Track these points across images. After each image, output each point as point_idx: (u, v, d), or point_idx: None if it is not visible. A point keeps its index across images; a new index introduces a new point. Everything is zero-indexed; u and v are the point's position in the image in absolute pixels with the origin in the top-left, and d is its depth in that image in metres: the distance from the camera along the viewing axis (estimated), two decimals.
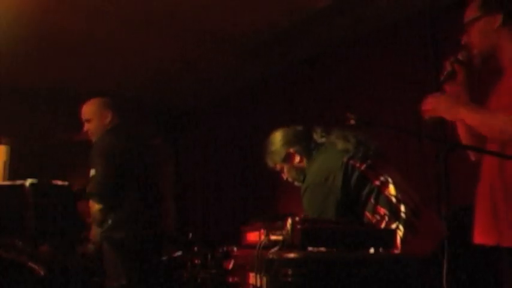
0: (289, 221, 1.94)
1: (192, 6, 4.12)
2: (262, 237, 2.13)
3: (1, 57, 4.99)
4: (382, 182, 2.59)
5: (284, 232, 1.97)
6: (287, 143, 2.87)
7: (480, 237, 2.00)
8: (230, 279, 2.53)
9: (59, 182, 3.44)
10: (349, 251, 1.94)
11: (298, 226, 1.89)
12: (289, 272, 1.82)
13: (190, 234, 4.16)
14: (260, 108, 5.77)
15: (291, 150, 2.86)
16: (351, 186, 2.60)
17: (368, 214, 2.53)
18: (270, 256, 1.93)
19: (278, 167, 2.93)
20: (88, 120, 3.62)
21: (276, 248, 1.97)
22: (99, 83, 5.79)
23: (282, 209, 4.92)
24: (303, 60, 5.08)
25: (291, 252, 1.87)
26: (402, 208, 2.50)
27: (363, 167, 2.58)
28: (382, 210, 2.50)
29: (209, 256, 3.81)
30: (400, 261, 1.92)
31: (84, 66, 5.39)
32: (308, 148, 2.85)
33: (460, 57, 2.09)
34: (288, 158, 2.86)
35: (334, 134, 2.81)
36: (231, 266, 2.55)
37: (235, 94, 6.12)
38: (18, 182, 3.41)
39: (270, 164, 2.95)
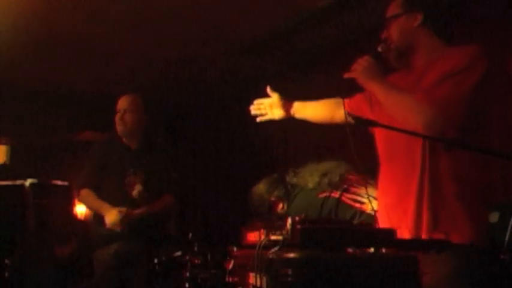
0: (289, 220, 1.94)
1: (191, 6, 4.13)
2: (262, 237, 2.12)
3: (1, 58, 4.99)
4: (361, 202, 2.63)
5: (284, 232, 1.97)
6: (267, 192, 3.05)
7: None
8: (230, 279, 2.53)
9: (59, 182, 3.45)
10: (349, 251, 1.94)
11: (298, 226, 1.89)
12: (289, 271, 1.82)
13: (190, 234, 4.16)
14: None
15: (272, 198, 3.02)
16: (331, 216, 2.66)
17: None
18: (270, 256, 1.93)
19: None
20: (128, 111, 3.57)
21: (275, 248, 1.97)
22: (99, 83, 5.79)
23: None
24: (303, 60, 5.08)
25: (290, 252, 1.87)
26: None
27: (338, 194, 2.65)
28: None
29: (209, 256, 3.81)
30: (400, 261, 1.92)
31: (83, 66, 5.39)
32: (286, 192, 2.95)
33: (379, 49, 2.14)
34: (272, 207, 3.05)
35: (302, 173, 2.90)
36: (231, 266, 2.55)
37: (235, 94, 6.12)
38: (18, 182, 3.42)
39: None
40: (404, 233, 2.01)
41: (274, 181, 3.07)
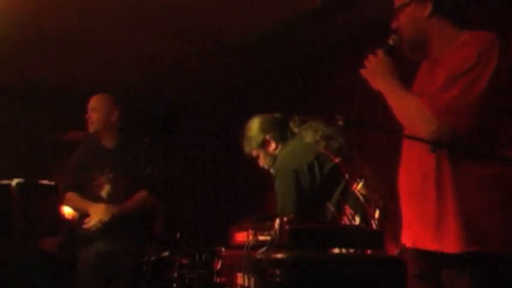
0: (277, 221, 1.94)
1: (187, 4, 4.10)
2: (251, 237, 2.12)
3: None
4: (353, 178, 2.61)
5: (272, 232, 1.97)
6: (264, 129, 2.94)
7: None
8: (218, 280, 2.53)
9: (46, 182, 3.45)
10: (336, 251, 1.94)
11: (286, 226, 1.89)
12: (277, 272, 1.82)
13: (178, 234, 4.15)
14: (251, 108, 5.75)
15: (267, 136, 2.92)
16: (321, 177, 2.63)
17: (331, 208, 2.54)
18: (258, 256, 1.93)
19: (254, 153, 2.99)
20: (94, 110, 3.62)
21: (263, 249, 1.97)
22: (89, 82, 5.74)
23: (271, 209, 4.92)
24: (296, 59, 5.08)
25: (278, 252, 1.87)
26: (373, 211, 2.51)
27: (337, 159, 2.61)
28: (349, 210, 2.50)
29: (197, 256, 3.80)
30: (387, 262, 1.93)
31: (73, 64, 5.35)
32: (284, 135, 2.91)
33: (390, 41, 2.02)
34: (263, 145, 2.93)
35: (307, 125, 2.86)
36: (219, 266, 2.55)
37: (225, 94, 6.11)
38: (5, 182, 3.42)
39: (247, 150, 3.01)
40: (418, 242, 1.94)
41: (274, 121, 2.98)
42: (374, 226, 2.41)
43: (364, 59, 2.05)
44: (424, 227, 1.91)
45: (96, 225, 3.43)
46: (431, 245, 1.89)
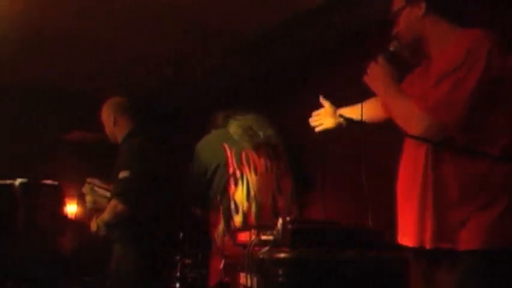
0: (280, 220, 1.96)
1: (185, 5, 4.11)
2: (253, 237, 2.14)
3: None
4: (234, 182, 2.66)
5: (275, 232, 1.98)
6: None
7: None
8: (221, 279, 2.53)
9: (49, 182, 3.46)
10: (339, 251, 1.96)
11: (289, 226, 1.91)
12: (280, 271, 1.83)
13: (181, 234, 4.17)
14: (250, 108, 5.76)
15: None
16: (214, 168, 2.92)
17: (213, 214, 2.61)
18: (261, 256, 1.95)
19: None
20: (104, 121, 3.67)
21: (266, 248, 1.98)
22: (89, 82, 5.75)
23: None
24: (296, 59, 5.08)
25: (281, 252, 1.88)
26: (236, 218, 2.54)
27: (232, 153, 2.71)
28: (219, 218, 2.52)
29: (200, 256, 3.82)
30: (390, 262, 1.95)
31: (74, 65, 5.34)
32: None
33: (391, 48, 2.07)
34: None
35: (233, 118, 3.01)
36: (221, 265, 2.56)
37: (226, 94, 6.12)
38: (8, 182, 3.43)
39: None
40: (405, 238, 2.00)
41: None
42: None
43: (363, 59, 2.11)
44: (410, 224, 1.98)
45: (95, 235, 3.44)
46: (413, 242, 1.96)
